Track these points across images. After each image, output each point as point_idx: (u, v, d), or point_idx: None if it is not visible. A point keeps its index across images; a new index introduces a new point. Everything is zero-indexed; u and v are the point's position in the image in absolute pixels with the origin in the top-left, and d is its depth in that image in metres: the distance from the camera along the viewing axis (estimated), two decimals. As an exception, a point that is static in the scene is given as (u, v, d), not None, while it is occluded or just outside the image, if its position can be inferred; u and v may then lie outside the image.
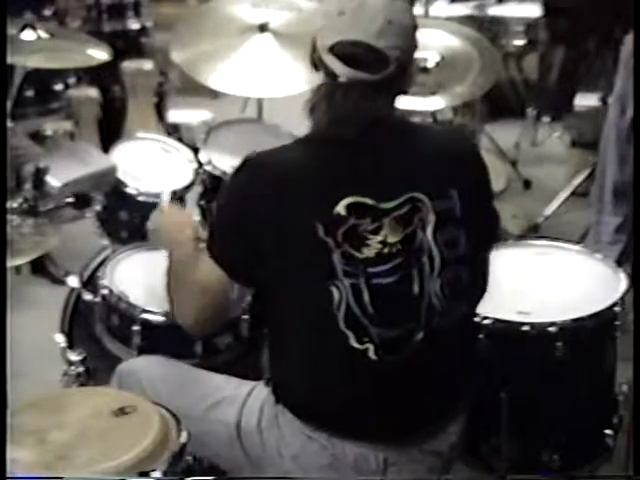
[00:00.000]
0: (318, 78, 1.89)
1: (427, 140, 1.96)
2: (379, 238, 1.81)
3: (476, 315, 2.11)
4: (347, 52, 1.81)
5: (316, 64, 1.88)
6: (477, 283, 1.96)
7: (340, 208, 1.79)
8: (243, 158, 1.89)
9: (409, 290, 1.84)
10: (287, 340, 1.91)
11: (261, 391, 1.99)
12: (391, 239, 1.82)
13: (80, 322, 2.64)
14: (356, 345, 1.82)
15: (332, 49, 1.82)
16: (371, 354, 1.83)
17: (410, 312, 1.85)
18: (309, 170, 1.86)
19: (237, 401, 2.00)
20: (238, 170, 1.90)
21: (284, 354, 1.93)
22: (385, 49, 1.80)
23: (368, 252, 1.81)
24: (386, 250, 1.82)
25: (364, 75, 1.81)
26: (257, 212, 1.83)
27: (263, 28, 3.31)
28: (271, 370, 1.97)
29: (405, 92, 1.91)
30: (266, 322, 1.96)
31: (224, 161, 3.05)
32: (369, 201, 1.81)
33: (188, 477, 1.77)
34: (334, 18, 1.82)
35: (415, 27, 1.87)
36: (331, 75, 1.84)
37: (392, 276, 1.82)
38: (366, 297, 1.81)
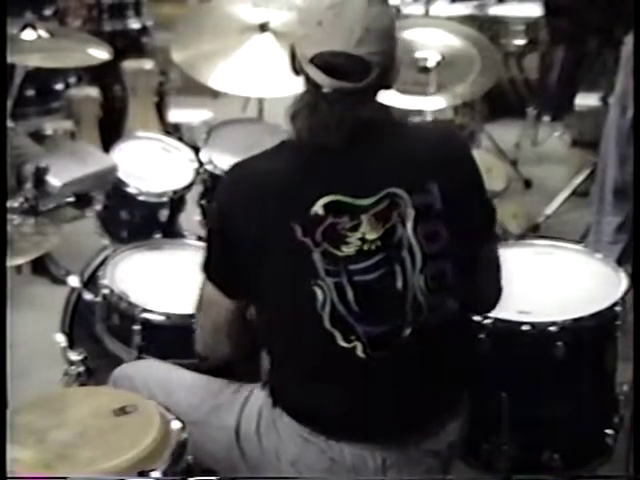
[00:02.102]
0: (301, 83, 1.88)
1: (408, 136, 1.95)
2: (358, 235, 1.80)
3: (482, 312, 2.10)
4: (328, 63, 1.79)
5: (297, 70, 1.87)
6: (476, 278, 1.95)
7: (317, 208, 1.79)
8: (224, 172, 1.91)
9: (393, 286, 1.83)
10: (277, 342, 1.91)
11: (259, 395, 1.98)
12: (370, 236, 1.81)
13: (81, 322, 2.64)
14: (343, 344, 1.82)
15: (313, 60, 1.80)
16: (359, 352, 1.82)
17: (395, 308, 1.84)
18: (286, 173, 1.85)
19: (236, 405, 1.99)
20: (219, 187, 1.93)
21: (277, 357, 1.93)
22: (366, 56, 1.79)
23: (348, 250, 1.80)
24: (366, 247, 1.81)
25: (347, 84, 1.80)
26: (237, 222, 1.84)
27: (263, 28, 3.31)
28: (268, 372, 1.96)
29: (389, 87, 1.89)
30: (258, 326, 1.95)
31: (225, 160, 3.05)
32: (347, 199, 1.80)
33: (188, 477, 1.77)
34: (312, 29, 1.80)
35: (394, 28, 1.86)
36: (314, 85, 1.82)
37: (374, 272, 1.82)
38: (350, 295, 1.81)
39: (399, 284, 1.83)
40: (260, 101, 3.73)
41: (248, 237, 1.83)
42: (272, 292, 1.86)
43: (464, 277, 1.91)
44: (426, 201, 1.84)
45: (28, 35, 3.09)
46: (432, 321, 1.85)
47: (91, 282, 2.61)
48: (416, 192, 1.83)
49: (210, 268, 1.92)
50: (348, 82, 1.80)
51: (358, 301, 1.81)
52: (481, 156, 3.72)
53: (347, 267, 1.80)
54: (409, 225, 1.82)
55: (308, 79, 1.84)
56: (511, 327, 2.26)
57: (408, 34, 3.40)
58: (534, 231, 4.13)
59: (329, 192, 1.80)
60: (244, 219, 1.83)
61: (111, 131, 4.51)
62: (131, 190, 3.04)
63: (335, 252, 1.80)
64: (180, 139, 3.72)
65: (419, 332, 1.84)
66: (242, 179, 1.88)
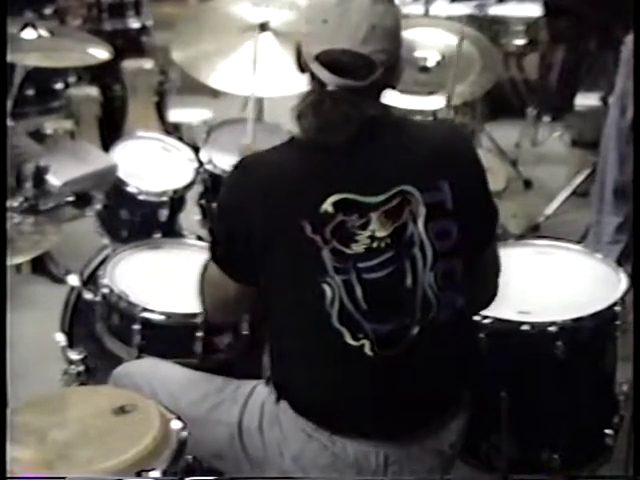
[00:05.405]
0: (306, 80, 1.89)
1: (417, 134, 1.95)
2: (367, 233, 1.81)
3: (477, 311, 2.11)
4: (333, 60, 1.80)
5: (302, 68, 1.88)
6: (475, 276, 1.95)
7: (327, 206, 1.79)
8: (234, 163, 1.92)
9: (402, 284, 1.83)
10: (285, 338, 1.92)
11: (261, 390, 1.99)
12: (380, 233, 1.82)
13: (80, 321, 2.64)
14: (351, 342, 1.82)
15: (318, 57, 1.81)
16: (367, 350, 1.83)
17: (404, 306, 1.85)
18: (296, 170, 1.86)
19: (238, 401, 2.00)
20: (229, 175, 1.93)
21: (283, 352, 1.93)
22: (371, 54, 1.80)
23: (357, 248, 1.81)
24: (375, 244, 1.82)
25: (352, 82, 1.81)
26: (246, 215, 1.85)
27: (264, 27, 3.30)
28: (272, 368, 1.97)
29: (393, 87, 1.90)
30: (265, 320, 1.95)
31: (224, 160, 3.06)
32: (356, 197, 1.81)
33: (188, 476, 1.77)
34: (318, 26, 1.82)
35: (399, 27, 1.87)
36: (319, 83, 1.84)
37: (383, 270, 1.82)
38: (359, 292, 1.81)
39: (409, 282, 1.83)
40: (260, 100, 3.72)
41: (255, 230, 1.83)
42: (280, 288, 1.86)
43: (471, 274, 1.92)
44: (437, 199, 1.85)
45: (28, 34, 3.09)
46: (440, 319, 1.86)
47: (91, 281, 2.62)
48: (427, 190, 1.84)
49: (216, 252, 1.93)
50: (352, 80, 1.81)
51: (367, 299, 1.82)
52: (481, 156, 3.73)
53: (356, 265, 1.81)
54: (420, 223, 1.83)
55: (313, 77, 1.85)
56: (511, 327, 2.26)
57: (408, 34, 3.40)
58: (534, 231, 4.13)
59: (338, 190, 1.80)
60: (251, 212, 1.83)
61: (111, 130, 4.52)
62: (131, 189, 3.04)
63: (344, 250, 1.81)
64: (180, 139, 3.73)
65: (427, 330, 1.85)
66: (251, 171, 1.89)
